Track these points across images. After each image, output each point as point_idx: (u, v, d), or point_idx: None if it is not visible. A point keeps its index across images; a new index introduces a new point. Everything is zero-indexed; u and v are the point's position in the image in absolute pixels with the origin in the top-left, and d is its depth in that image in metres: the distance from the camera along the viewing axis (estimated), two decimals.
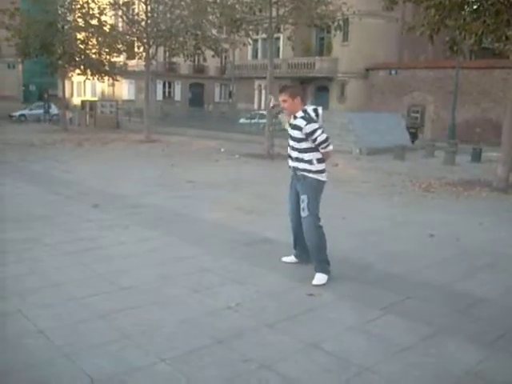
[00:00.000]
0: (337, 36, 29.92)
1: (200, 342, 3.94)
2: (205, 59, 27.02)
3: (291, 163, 5.45)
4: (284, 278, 5.43)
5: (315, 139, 5.20)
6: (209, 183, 11.70)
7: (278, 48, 36.66)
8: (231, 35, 22.00)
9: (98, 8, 26.24)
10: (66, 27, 28.41)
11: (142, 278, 5.33)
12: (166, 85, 46.90)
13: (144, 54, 24.95)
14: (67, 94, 36.18)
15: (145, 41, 24.25)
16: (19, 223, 7.53)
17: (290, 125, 5.40)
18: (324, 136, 5.22)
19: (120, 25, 28.20)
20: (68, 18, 28.55)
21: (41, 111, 38.71)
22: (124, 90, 45.84)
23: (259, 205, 9.34)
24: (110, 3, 25.78)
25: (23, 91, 45.66)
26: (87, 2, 26.39)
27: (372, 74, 35.52)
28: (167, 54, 35.87)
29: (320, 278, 5.29)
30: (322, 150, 5.27)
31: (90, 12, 26.38)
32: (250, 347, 3.90)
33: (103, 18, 26.44)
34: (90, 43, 27.81)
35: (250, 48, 37.65)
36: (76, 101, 45.89)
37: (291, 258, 5.88)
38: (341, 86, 35.88)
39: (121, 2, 25.48)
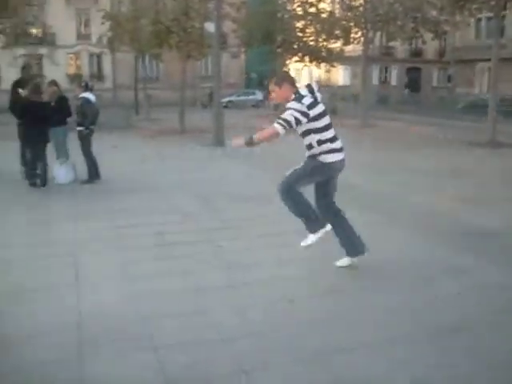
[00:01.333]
0: None
1: (422, 331, 3.97)
2: (424, 42, 26.13)
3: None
4: (505, 269, 5.20)
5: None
6: (426, 171, 11.37)
7: (503, 26, 33.93)
8: (453, 16, 20.92)
9: None
10: (285, 16, 29.60)
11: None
12: (382, 69, 46.31)
13: (361, 39, 24.90)
14: None
15: (362, 26, 24.19)
16: (249, 203, 8.27)
17: None
18: (287, 116, 4.65)
19: (337, 11, 28.47)
20: (287, 8, 29.71)
21: (247, 97, 41.50)
22: (339, 75, 46.35)
23: (478, 194, 8.90)
24: None
25: (245, 78, 48.63)
26: None
27: None
28: (383, 38, 35.41)
29: (307, 239, 5.11)
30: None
31: (309, 0, 27.14)
32: (469, 341, 3.81)
33: (321, 5, 26.99)
34: (307, 31, 28.61)
35: (472, 28, 35.48)
36: None
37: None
38: None
39: None
